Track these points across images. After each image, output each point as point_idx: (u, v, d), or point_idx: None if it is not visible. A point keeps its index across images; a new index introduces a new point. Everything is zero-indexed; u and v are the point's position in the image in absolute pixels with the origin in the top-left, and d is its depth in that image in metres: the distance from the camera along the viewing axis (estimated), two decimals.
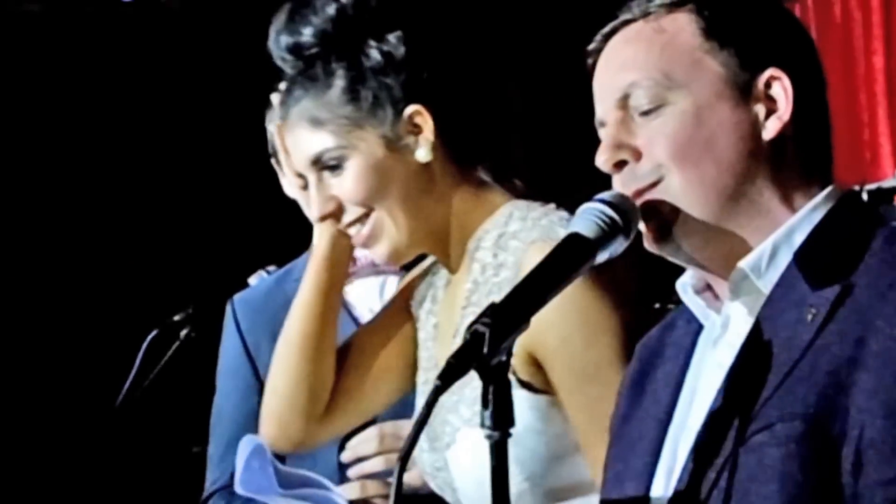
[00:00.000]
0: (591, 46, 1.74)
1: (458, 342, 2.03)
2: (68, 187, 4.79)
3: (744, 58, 1.65)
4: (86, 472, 3.93)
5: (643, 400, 1.73)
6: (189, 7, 4.79)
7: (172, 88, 4.80)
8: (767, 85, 1.65)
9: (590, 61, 1.74)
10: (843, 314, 1.53)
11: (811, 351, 1.53)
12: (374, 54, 2.09)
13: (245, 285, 3.08)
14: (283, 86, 2.19)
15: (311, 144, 2.13)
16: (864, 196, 4.01)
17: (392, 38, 2.09)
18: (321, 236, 2.28)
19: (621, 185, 1.67)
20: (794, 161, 1.66)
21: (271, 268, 3.11)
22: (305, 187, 2.81)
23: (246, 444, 2.46)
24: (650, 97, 1.65)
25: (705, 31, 1.66)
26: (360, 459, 2.73)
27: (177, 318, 3.17)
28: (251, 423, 2.89)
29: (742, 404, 1.55)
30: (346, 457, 2.73)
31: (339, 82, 2.10)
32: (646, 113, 1.65)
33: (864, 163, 4.59)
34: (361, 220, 2.14)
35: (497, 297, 1.98)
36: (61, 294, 4.73)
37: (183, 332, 3.17)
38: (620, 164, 1.67)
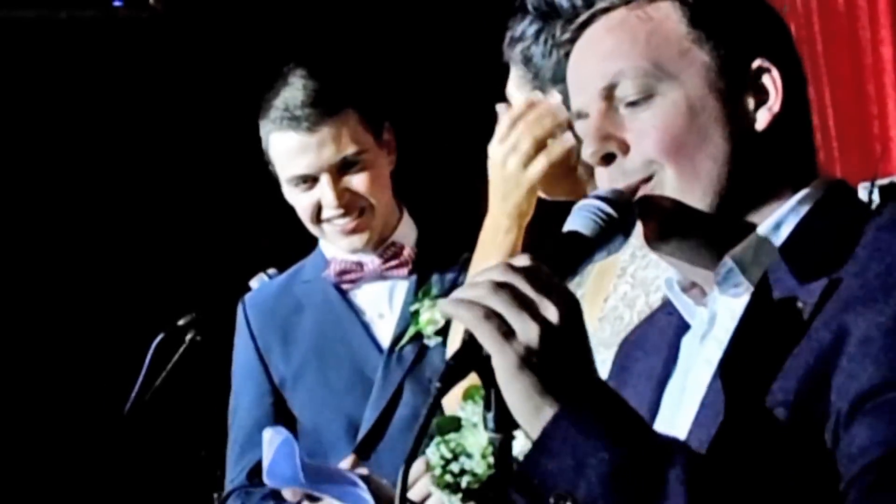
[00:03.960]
0: (566, 37, 1.69)
1: (610, 305, 2.12)
2: (72, 193, 4.79)
3: (731, 48, 1.61)
4: (95, 477, 3.94)
5: (625, 395, 1.68)
6: (177, 10, 4.79)
7: (174, 93, 4.80)
8: (756, 76, 1.62)
9: (563, 51, 1.70)
10: (831, 306, 1.50)
11: (800, 345, 1.50)
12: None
13: (247, 289, 3.09)
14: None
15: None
16: (876, 192, 3.93)
17: None
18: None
19: (609, 180, 1.63)
20: (783, 153, 1.62)
21: (272, 271, 3.12)
22: (310, 188, 2.83)
23: (274, 436, 2.46)
24: (638, 87, 1.60)
25: (691, 20, 1.62)
26: None
27: (182, 322, 3.17)
28: (264, 424, 2.90)
29: (732, 399, 1.53)
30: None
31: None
32: (633, 104, 1.61)
33: (874, 157, 4.51)
34: None
35: (654, 271, 2.04)
36: (67, 300, 4.73)
37: (188, 336, 3.16)
38: (608, 158, 1.62)
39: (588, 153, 1.63)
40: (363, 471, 2.56)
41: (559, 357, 1.41)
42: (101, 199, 4.80)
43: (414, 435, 1.45)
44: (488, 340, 1.41)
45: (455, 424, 2.18)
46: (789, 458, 1.47)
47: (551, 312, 1.41)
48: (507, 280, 1.42)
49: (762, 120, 1.61)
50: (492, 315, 1.40)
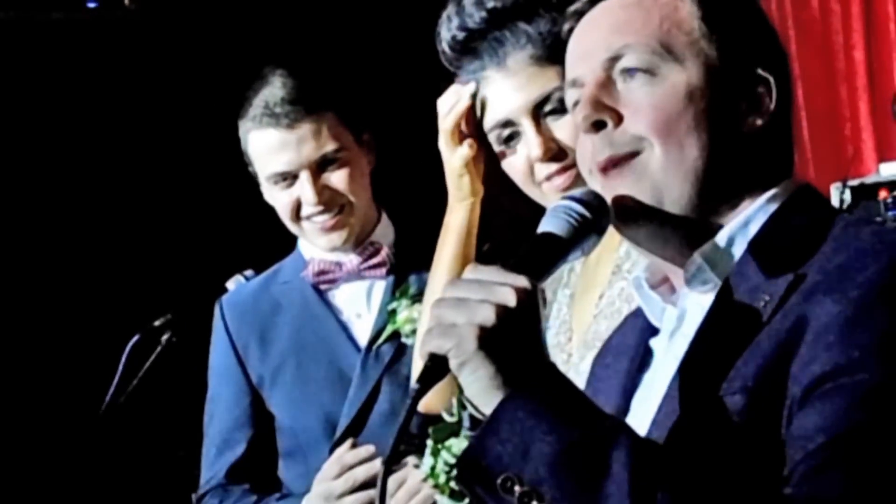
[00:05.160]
0: (574, 8, 1.71)
1: (606, 301, 2.13)
2: (47, 194, 4.79)
3: (736, 52, 1.66)
4: (72, 478, 3.93)
5: (597, 396, 1.70)
6: (152, 10, 4.78)
7: (150, 94, 4.81)
8: (753, 83, 1.66)
9: (567, 26, 1.72)
10: (794, 299, 1.53)
11: (761, 335, 1.52)
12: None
13: (223, 290, 3.10)
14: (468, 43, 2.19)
15: (541, 84, 2.15)
16: (847, 192, 3.99)
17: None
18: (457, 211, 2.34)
19: (595, 148, 1.65)
20: (763, 157, 1.66)
21: (248, 272, 3.12)
22: (290, 186, 2.84)
23: None
24: (642, 61, 1.63)
25: (703, 16, 1.66)
26: None
27: (157, 323, 3.18)
28: (243, 423, 2.97)
29: (694, 388, 1.56)
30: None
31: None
32: (632, 76, 1.64)
33: (845, 158, 4.58)
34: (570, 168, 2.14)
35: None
36: (43, 301, 4.73)
37: (164, 337, 3.17)
38: (598, 126, 1.64)
39: (580, 117, 1.65)
40: (363, 450, 2.64)
41: (513, 339, 1.44)
42: (77, 201, 4.79)
43: (393, 437, 1.47)
44: (440, 340, 1.44)
45: (451, 430, 2.20)
46: (745, 444, 1.48)
47: (505, 295, 1.44)
48: (445, 294, 1.46)
49: (751, 124, 1.65)
50: (440, 321, 1.45)
